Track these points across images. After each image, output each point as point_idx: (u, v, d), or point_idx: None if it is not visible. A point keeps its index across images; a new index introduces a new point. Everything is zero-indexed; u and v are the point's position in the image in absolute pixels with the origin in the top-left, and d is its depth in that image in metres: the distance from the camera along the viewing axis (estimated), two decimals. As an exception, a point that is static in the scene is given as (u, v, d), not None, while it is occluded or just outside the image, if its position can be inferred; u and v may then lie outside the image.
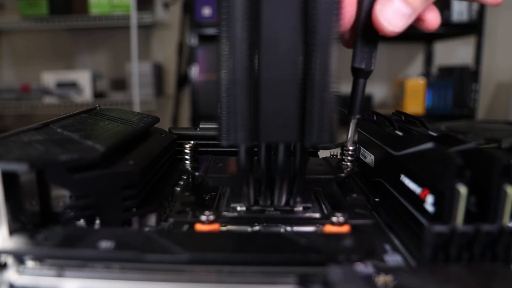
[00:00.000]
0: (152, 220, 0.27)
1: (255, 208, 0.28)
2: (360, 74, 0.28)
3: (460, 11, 1.45)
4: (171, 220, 0.27)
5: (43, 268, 0.20)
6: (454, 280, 0.17)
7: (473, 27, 1.44)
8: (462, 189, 0.20)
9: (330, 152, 0.39)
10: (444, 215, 0.21)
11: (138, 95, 1.57)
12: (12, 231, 0.22)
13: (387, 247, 0.24)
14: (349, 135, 0.32)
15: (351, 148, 0.32)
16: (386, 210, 0.28)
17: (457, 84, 1.57)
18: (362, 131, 0.37)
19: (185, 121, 1.73)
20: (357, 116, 0.30)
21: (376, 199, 0.30)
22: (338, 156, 0.37)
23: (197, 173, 0.32)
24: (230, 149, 0.37)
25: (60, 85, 1.59)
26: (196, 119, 1.42)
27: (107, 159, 0.24)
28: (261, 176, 0.27)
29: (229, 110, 0.22)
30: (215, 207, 0.29)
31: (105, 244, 0.20)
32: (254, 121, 0.22)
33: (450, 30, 1.48)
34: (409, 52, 1.83)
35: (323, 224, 0.25)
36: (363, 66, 0.28)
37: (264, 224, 0.26)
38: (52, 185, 0.24)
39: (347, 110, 0.31)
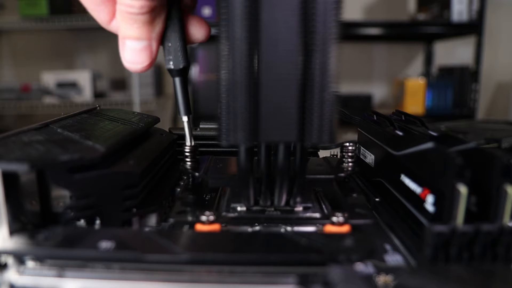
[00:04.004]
0: (152, 220, 0.27)
1: (255, 208, 0.28)
2: (173, 73, 0.29)
3: (460, 11, 1.45)
4: (171, 220, 0.27)
5: (43, 268, 0.20)
6: (454, 280, 0.17)
7: (473, 27, 1.44)
8: (463, 189, 0.20)
9: (330, 152, 0.39)
10: (444, 215, 0.21)
11: (138, 95, 1.57)
12: (12, 231, 0.22)
13: (388, 247, 0.24)
14: (186, 135, 0.32)
15: (187, 147, 0.32)
16: (386, 210, 0.28)
17: (457, 84, 1.57)
18: (362, 131, 0.37)
19: (185, 121, 1.72)
20: (189, 115, 0.30)
21: (376, 199, 0.30)
22: (338, 156, 0.37)
23: (197, 173, 0.32)
24: (230, 149, 0.37)
25: (60, 85, 1.58)
26: (196, 119, 1.42)
27: (108, 159, 0.24)
28: (261, 176, 0.27)
29: (229, 110, 0.22)
30: (215, 207, 0.29)
31: (105, 244, 0.20)
32: (254, 121, 0.22)
33: (450, 30, 1.48)
34: (409, 52, 1.83)
35: (323, 224, 0.25)
36: (172, 66, 0.28)
37: (264, 224, 0.26)
38: (52, 185, 0.24)
39: (347, 111, 0.31)
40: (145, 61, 0.26)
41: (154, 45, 0.26)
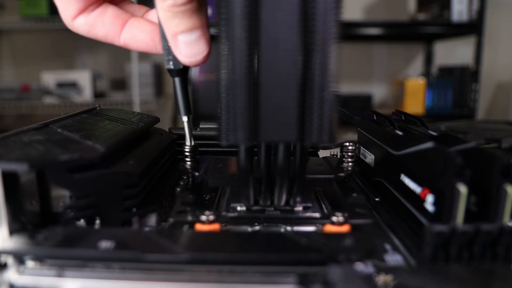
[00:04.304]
0: (152, 220, 0.27)
1: (255, 208, 0.28)
2: (173, 74, 0.28)
3: (460, 11, 1.45)
4: (171, 220, 0.27)
5: (43, 268, 0.20)
6: (454, 280, 0.17)
7: (473, 27, 1.44)
8: (462, 189, 0.20)
9: (330, 152, 0.39)
10: (444, 214, 0.21)
11: (138, 95, 1.57)
12: (12, 231, 0.22)
13: (387, 246, 0.24)
14: (186, 135, 0.32)
15: (187, 147, 0.32)
16: (386, 209, 0.28)
17: (457, 84, 1.57)
18: (362, 131, 0.37)
19: (185, 121, 1.73)
20: (189, 115, 0.30)
21: (376, 199, 0.30)
22: (338, 156, 0.37)
23: (197, 173, 0.32)
24: (230, 149, 0.37)
25: (60, 85, 1.58)
26: (196, 119, 1.42)
27: (107, 159, 0.24)
28: (261, 176, 0.27)
29: (228, 110, 0.22)
30: (215, 207, 0.29)
31: (105, 244, 0.20)
32: (253, 121, 0.22)
33: (450, 30, 1.48)
34: (409, 52, 1.83)
35: (323, 224, 0.25)
36: (172, 66, 0.28)
37: (264, 224, 0.26)
38: (52, 185, 0.24)
39: (347, 111, 0.31)
40: (204, 50, 0.25)
41: (207, 31, 0.25)
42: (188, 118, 0.30)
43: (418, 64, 1.83)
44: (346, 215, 0.24)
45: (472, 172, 0.20)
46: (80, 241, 0.20)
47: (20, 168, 0.20)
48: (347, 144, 0.35)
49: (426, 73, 1.76)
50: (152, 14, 0.28)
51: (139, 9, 0.29)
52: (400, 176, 0.27)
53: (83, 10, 0.26)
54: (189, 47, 0.25)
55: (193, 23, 0.24)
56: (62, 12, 0.26)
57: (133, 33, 0.27)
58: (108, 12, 0.26)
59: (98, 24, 0.26)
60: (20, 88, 1.62)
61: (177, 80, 0.29)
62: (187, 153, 0.33)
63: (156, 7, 0.25)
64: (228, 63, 0.21)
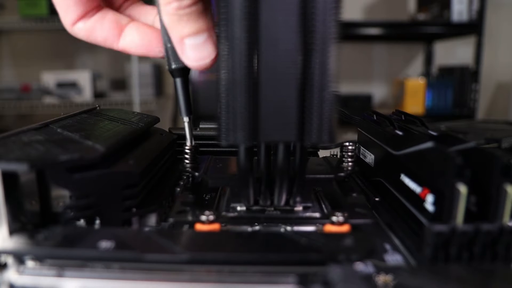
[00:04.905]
0: (152, 220, 0.27)
1: (255, 208, 0.28)
2: (174, 74, 0.28)
3: (460, 11, 1.45)
4: (171, 220, 0.27)
5: (43, 268, 0.20)
6: (454, 280, 0.17)
7: (473, 27, 1.44)
8: (462, 189, 0.20)
9: (330, 151, 0.39)
10: (444, 214, 0.21)
11: (138, 95, 1.57)
12: (12, 231, 0.22)
13: (387, 246, 0.24)
14: (187, 135, 0.32)
15: (188, 147, 0.32)
16: (386, 209, 0.28)
17: (457, 84, 1.57)
18: (362, 131, 0.37)
19: (185, 121, 1.73)
20: (190, 116, 0.30)
21: (376, 199, 0.30)
22: (338, 156, 0.37)
23: (197, 173, 0.32)
24: (230, 149, 0.37)
25: (60, 85, 1.59)
26: (196, 119, 1.42)
27: (107, 159, 0.24)
28: (261, 176, 0.27)
29: (228, 110, 0.22)
30: (215, 207, 0.29)
31: (105, 244, 0.20)
32: (253, 120, 0.22)
33: (450, 30, 1.48)
34: (409, 52, 1.83)
35: (323, 224, 0.25)
36: (173, 67, 0.28)
37: (264, 224, 0.26)
38: (52, 185, 0.24)
39: (347, 111, 0.31)
40: (211, 53, 0.24)
41: (214, 34, 0.24)
42: (189, 118, 0.31)
43: (418, 64, 1.83)
44: (346, 215, 0.24)
45: (472, 172, 0.20)
46: (80, 241, 0.20)
47: (20, 168, 0.20)
48: (347, 144, 0.35)
49: (426, 73, 1.76)
50: (150, 17, 0.28)
51: (146, 10, 0.29)
52: (400, 176, 0.27)
53: (82, 16, 0.26)
54: (196, 51, 0.24)
55: (199, 25, 0.24)
56: (62, 18, 0.26)
57: (132, 38, 0.27)
58: (107, 18, 0.27)
59: (97, 29, 0.26)
60: (20, 88, 1.62)
61: (178, 80, 0.29)
62: (187, 153, 0.33)
63: (159, 11, 0.25)
64: (228, 63, 0.21)
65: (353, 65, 1.80)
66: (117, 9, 0.28)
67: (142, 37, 0.27)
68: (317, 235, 0.22)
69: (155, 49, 0.27)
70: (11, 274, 0.20)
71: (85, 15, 0.26)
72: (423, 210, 0.23)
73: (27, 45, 1.78)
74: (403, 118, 0.32)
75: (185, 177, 0.34)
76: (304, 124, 0.22)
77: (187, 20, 0.23)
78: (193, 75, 1.47)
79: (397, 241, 0.24)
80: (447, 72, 1.65)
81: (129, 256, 0.19)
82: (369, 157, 0.35)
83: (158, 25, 0.27)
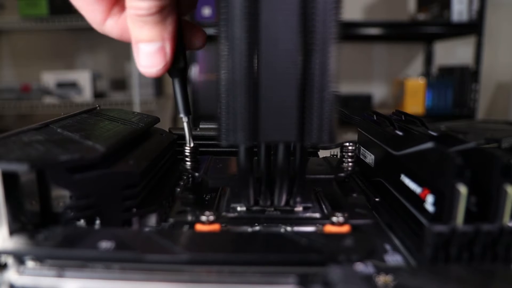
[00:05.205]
0: (152, 220, 0.27)
1: (255, 208, 0.28)
2: (172, 74, 0.28)
3: (460, 11, 1.45)
4: (171, 220, 0.27)
5: (43, 268, 0.20)
6: (454, 280, 0.17)
7: (473, 27, 1.44)
8: (462, 189, 0.20)
9: (330, 152, 0.39)
10: (444, 215, 0.21)
11: (138, 95, 1.57)
12: (12, 231, 0.22)
13: (387, 247, 0.24)
14: (186, 136, 0.32)
15: (187, 147, 0.32)
16: (386, 210, 0.28)
17: (457, 84, 1.57)
18: (362, 131, 0.37)
19: (185, 121, 1.73)
20: (189, 116, 0.30)
21: (376, 199, 0.30)
22: (338, 156, 0.37)
23: (197, 173, 0.32)
24: (230, 149, 0.37)
25: (60, 85, 1.59)
26: (196, 119, 1.42)
27: (107, 159, 0.24)
28: (261, 176, 0.27)
29: (228, 110, 0.22)
30: (215, 207, 0.29)
31: (105, 244, 0.20)
32: (253, 121, 0.22)
33: (450, 30, 1.48)
34: (409, 52, 1.83)
35: (323, 224, 0.25)
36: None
37: (264, 224, 0.26)
38: (52, 185, 0.24)
39: (347, 111, 0.31)
40: (160, 63, 0.25)
41: (168, 45, 0.25)
42: (188, 118, 0.31)
43: (418, 64, 1.83)
44: (346, 215, 0.24)
45: (472, 172, 0.20)
46: (80, 241, 0.20)
47: (20, 168, 0.20)
48: (347, 144, 0.35)
49: (426, 73, 1.76)
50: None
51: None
52: (400, 176, 0.27)
53: (108, 13, 0.25)
54: (146, 57, 0.25)
55: (154, 34, 0.24)
56: (90, 20, 0.26)
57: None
58: None
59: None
60: (20, 88, 1.62)
61: (176, 80, 0.29)
62: (187, 154, 0.33)
63: None
64: (228, 63, 0.21)
65: (353, 65, 1.80)
66: None
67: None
68: (317, 235, 0.22)
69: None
70: (11, 274, 0.20)
71: (110, 10, 0.25)
72: (423, 211, 0.23)
73: (27, 45, 1.78)
74: (403, 118, 0.32)
75: (185, 177, 0.34)
76: (304, 124, 0.22)
77: (143, 26, 0.24)
78: (193, 75, 1.47)
79: (397, 242, 0.24)
80: (447, 72, 1.64)
81: (129, 256, 0.19)
82: (369, 157, 0.35)
83: None
